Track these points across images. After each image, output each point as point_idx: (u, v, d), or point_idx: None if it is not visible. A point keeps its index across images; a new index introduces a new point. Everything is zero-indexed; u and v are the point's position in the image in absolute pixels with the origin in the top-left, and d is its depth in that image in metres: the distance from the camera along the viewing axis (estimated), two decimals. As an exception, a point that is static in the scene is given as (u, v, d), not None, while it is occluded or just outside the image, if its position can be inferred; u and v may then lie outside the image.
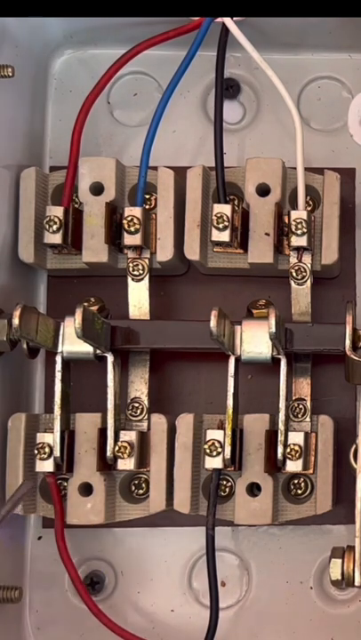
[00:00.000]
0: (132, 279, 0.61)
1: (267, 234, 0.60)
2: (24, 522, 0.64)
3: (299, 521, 0.61)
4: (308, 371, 0.62)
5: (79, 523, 0.59)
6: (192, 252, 0.60)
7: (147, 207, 0.62)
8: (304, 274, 0.61)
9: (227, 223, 0.59)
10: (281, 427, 0.59)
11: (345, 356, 0.58)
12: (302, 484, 0.62)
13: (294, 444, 0.59)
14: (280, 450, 0.59)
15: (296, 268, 0.61)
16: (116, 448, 0.59)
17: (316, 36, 0.65)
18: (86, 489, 0.59)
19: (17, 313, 0.54)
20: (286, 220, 0.61)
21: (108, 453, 0.59)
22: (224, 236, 0.59)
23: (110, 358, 0.59)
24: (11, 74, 0.59)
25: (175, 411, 0.61)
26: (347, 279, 0.64)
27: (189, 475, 0.59)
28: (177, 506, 0.59)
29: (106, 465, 0.59)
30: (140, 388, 0.62)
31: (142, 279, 0.61)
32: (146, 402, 0.62)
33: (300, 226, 0.60)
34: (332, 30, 0.64)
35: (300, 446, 0.59)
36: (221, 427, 0.59)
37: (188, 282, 0.64)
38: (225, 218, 0.59)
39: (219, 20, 0.61)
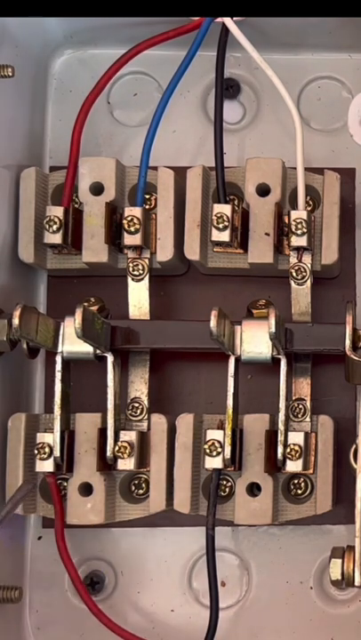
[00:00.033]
0: (132, 279, 0.61)
1: (267, 234, 0.60)
2: (24, 522, 0.64)
3: (299, 521, 0.61)
4: (308, 371, 0.62)
5: (79, 523, 0.59)
6: (192, 252, 0.60)
7: (147, 207, 0.62)
8: (304, 274, 0.61)
9: (227, 223, 0.59)
10: (281, 427, 0.59)
11: (345, 355, 0.58)
12: (302, 484, 0.62)
13: (294, 444, 0.59)
14: (280, 450, 0.59)
15: (296, 268, 0.61)
16: (116, 448, 0.59)
17: (316, 35, 0.65)
18: (86, 489, 0.59)
19: (17, 313, 0.54)
20: (286, 220, 0.61)
21: (108, 453, 0.59)
22: (224, 236, 0.59)
23: (110, 358, 0.59)
24: (11, 74, 0.59)
25: (175, 411, 0.61)
26: (347, 279, 0.64)
27: (189, 475, 0.59)
28: (177, 506, 0.59)
29: (106, 465, 0.59)
30: (140, 388, 0.62)
31: (142, 279, 0.61)
32: (146, 402, 0.62)
33: (300, 226, 0.60)
34: (332, 30, 0.64)
35: (300, 446, 0.59)
36: (221, 427, 0.59)
37: (188, 282, 0.64)
38: (225, 218, 0.59)
39: (219, 20, 0.61)
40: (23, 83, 0.63)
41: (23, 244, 0.61)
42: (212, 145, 0.61)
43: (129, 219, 0.60)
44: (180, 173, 0.61)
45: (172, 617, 0.64)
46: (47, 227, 0.59)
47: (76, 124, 0.61)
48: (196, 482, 0.60)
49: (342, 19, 0.63)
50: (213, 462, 0.58)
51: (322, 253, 0.61)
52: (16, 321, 0.54)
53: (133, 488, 0.62)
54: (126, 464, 0.59)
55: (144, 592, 0.64)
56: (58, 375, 0.59)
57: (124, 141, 0.66)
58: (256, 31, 0.62)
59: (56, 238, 0.59)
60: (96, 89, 0.61)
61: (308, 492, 0.61)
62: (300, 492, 0.62)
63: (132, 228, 0.60)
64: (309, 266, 0.61)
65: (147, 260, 0.61)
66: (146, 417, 0.61)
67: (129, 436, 0.59)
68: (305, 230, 0.60)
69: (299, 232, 0.60)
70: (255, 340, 0.59)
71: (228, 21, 0.60)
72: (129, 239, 0.60)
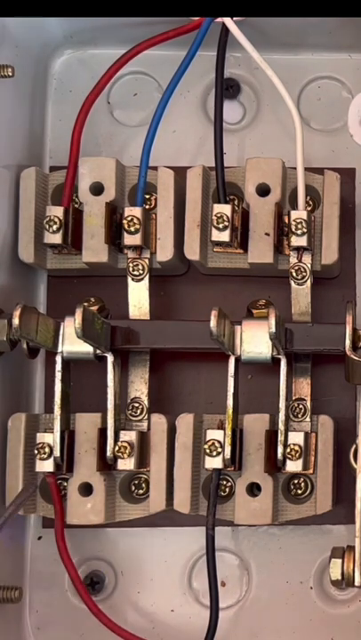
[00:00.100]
0: (132, 279, 0.61)
1: (267, 234, 0.60)
2: (24, 522, 0.64)
3: (299, 521, 0.61)
4: (308, 371, 0.62)
5: (79, 523, 0.59)
6: (192, 252, 0.60)
7: (147, 207, 0.62)
8: (304, 274, 0.61)
9: (227, 223, 0.59)
10: (281, 427, 0.59)
11: (345, 355, 0.58)
12: (302, 484, 0.62)
13: (294, 444, 0.59)
14: (280, 450, 0.59)
15: (296, 268, 0.61)
16: (116, 448, 0.59)
17: (316, 35, 0.65)
18: (86, 489, 0.59)
19: (17, 313, 0.54)
20: (286, 220, 0.61)
21: (108, 453, 0.59)
22: (224, 236, 0.59)
23: (110, 358, 0.59)
24: (11, 74, 0.59)
25: (175, 411, 0.61)
26: (347, 279, 0.64)
27: (189, 475, 0.59)
28: (177, 506, 0.59)
29: (106, 465, 0.59)
30: (140, 388, 0.62)
31: (142, 279, 0.61)
32: (146, 402, 0.62)
33: (300, 226, 0.60)
34: (332, 30, 0.64)
35: (300, 446, 0.59)
36: (221, 427, 0.59)
37: (188, 282, 0.64)
38: (225, 218, 0.59)
39: (219, 20, 0.61)
40: (23, 83, 0.63)
41: (23, 244, 0.61)
42: (212, 145, 0.60)
43: (129, 219, 0.60)
44: (180, 173, 0.61)
45: (172, 617, 0.64)
46: (47, 227, 0.59)
47: (76, 124, 0.61)
48: (196, 482, 0.60)
49: (342, 19, 0.63)
50: (213, 462, 0.58)
51: (322, 253, 0.61)
52: (16, 321, 0.54)
53: (133, 488, 0.62)
54: (126, 464, 0.59)
55: (144, 592, 0.64)
56: (58, 375, 0.59)
57: (124, 141, 0.66)
58: (256, 31, 0.62)
59: (56, 238, 0.59)
60: (96, 89, 0.61)
61: (308, 492, 0.61)
62: (300, 492, 0.62)
63: (132, 228, 0.60)
64: (309, 266, 0.61)
65: (147, 260, 0.61)
66: (146, 417, 0.61)
67: (129, 435, 0.59)
68: (305, 230, 0.60)
69: (299, 232, 0.60)
70: (255, 339, 0.59)
71: (228, 21, 0.60)
72: (129, 239, 0.60)
